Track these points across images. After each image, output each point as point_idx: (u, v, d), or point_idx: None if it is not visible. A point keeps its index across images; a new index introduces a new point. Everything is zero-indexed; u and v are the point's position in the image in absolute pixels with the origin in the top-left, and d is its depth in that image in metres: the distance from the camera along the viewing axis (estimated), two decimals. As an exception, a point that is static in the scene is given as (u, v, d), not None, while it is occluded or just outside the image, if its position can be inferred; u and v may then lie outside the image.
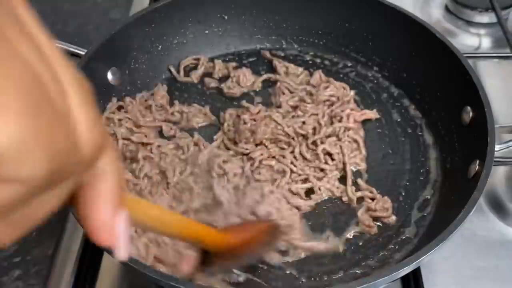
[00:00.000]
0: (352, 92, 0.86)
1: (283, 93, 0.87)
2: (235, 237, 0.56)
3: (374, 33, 0.91)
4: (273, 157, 0.77)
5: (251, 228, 0.62)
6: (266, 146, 0.78)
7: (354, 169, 0.78)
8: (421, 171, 0.78)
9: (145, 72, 0.89)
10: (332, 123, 0.81)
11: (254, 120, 0.80)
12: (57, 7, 1.13)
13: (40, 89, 0.24)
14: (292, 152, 0.78)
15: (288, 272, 0.67)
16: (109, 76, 0.82)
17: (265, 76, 0.91)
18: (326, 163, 0.77)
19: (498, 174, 0.81)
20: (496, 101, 0.80)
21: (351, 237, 0.71)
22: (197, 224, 0.52)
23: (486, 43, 1.05)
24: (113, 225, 0.30)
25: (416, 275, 0.70)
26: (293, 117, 0.82)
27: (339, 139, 0.79)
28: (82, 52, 0.78)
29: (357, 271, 0.67)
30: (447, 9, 1.11)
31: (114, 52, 0.82)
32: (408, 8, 0.87)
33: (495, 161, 0.65)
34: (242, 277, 0.65)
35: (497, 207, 0.78)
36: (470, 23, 1.07)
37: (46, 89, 0.24)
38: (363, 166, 0.78)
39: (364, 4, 0.89)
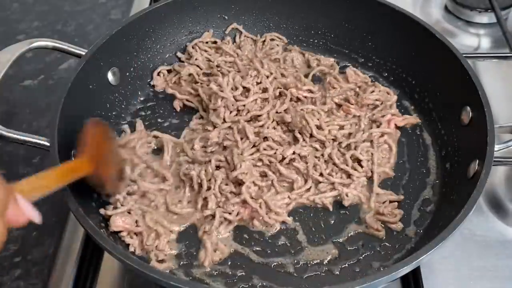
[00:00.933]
0: (395, 97, 0.85)
1: (333, 88, 0.86)
2: (87, 152, 0.65)
3: (374, 33, 0.91)
4: (305, 161, 0.76)
5: (87, 136, 0.66)
6: (303, 140, 0.78)
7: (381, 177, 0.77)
8: (421, 171, 0.78)
9: (146, 72, 0.89)
10: (371, 127, 0.80)
11: (305, 98, 0.82)
12: (57, 7, 1.13)
13: None
14: (323, 155, 0.76)
15: (288, 271, 0.67)
16: (109, 76, 0.82)
17: (317, 69, 0.90)
18: (354, 169, 0.75)
19: (497, 174, 0.81)
20: (496, 101, 0.80)
21: (351, 236, 0.71)
22: (62, 167, 0.63)
23: (485, 43, 1.05)
24: (18, 209, 0.46)
25: (415, 274, 0.71)
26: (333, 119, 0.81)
27: (373, 146, 0.78)
28: (82, 52, 0.78)
29: (357, 270, 0.67)
30: (446, 9, 1.11)
31: (114, 52, 0.82)
32: (408, 8, 0.87)
33: (494, 161, 0.65)
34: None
35: (497, 207, 0.78)
36: (469, 23, 1.08)
37: None
38: (391, 174, 0.77)
39: (364, 4, 0.89)
